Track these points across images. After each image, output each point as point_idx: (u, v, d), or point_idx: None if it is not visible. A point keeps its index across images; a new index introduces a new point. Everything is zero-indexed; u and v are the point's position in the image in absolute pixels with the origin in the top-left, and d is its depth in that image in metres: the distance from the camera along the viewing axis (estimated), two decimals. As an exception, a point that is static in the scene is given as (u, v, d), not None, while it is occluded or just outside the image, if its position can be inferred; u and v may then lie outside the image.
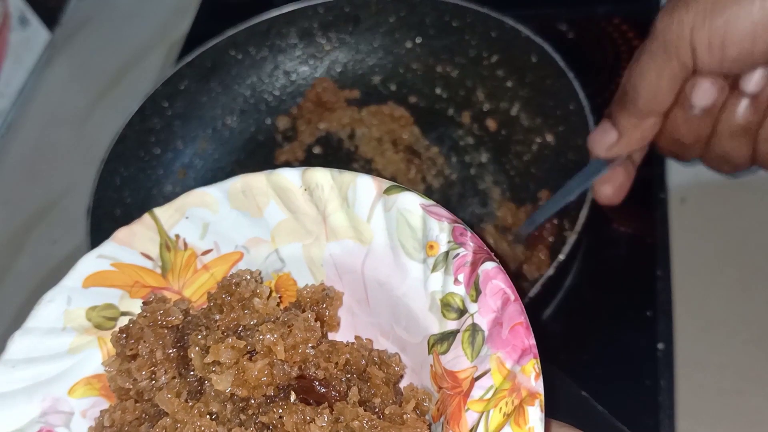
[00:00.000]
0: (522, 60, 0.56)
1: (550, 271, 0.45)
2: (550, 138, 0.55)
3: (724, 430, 0.46)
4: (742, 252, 0.52)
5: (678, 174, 0.56)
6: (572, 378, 0.46)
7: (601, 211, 0.54)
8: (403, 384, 0.35)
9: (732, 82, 0.42)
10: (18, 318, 0.62)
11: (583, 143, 0.49)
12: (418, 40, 0.61)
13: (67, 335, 0.36)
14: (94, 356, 0.36)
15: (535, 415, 0.27)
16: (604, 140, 0.46)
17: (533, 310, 0.30)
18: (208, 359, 0.32)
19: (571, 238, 0.46)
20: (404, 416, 0.31)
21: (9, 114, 0.73)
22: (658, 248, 0.53)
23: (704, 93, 0.41)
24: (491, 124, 0.59)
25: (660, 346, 0.49)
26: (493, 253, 0.31)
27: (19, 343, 0.35)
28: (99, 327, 0.36)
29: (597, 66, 0.63)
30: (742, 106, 0.42)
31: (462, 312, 0.31)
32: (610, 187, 0.48)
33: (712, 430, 0.46)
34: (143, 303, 0.36)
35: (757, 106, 0.41)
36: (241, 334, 0.34)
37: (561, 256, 0.45)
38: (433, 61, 0.61)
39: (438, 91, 0.61)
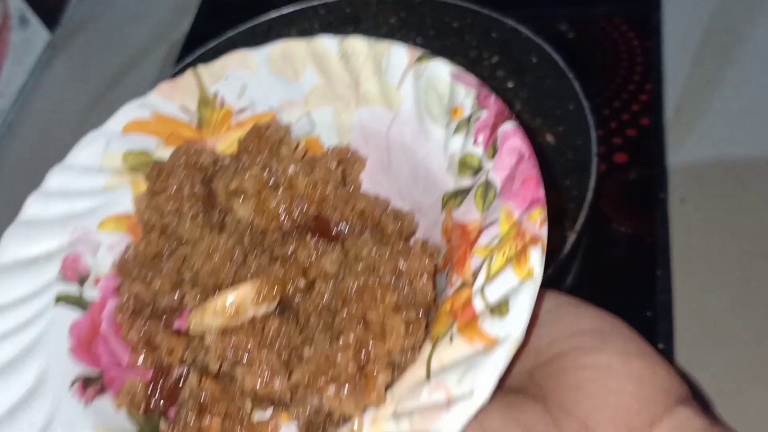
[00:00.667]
0: (522, 60, 0.56)
1: (550, 271, 0.45)
2: (550, 138, 0.55)
3: (725, 431, 0.46)
4: (743, 252, 0.52)
5: (678, 174, 0.56)
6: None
7: (601, 211, 0.54)
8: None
9: None
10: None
11: (583, 143, 0.49)
12: (419, 40, 0.61)
13: (102, 175, 0.38)
14: (126, 196, 0.38)
15: (535, 255, 0.28)
16: None
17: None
18: (232, 187, 0.34)
19: (571, 238, 0.46)
20: (410, 250, 0.32)
21: (9, 114, 0.73)
22: (658, 248, 0.53)
23: None
24: None
25: (660, 346, 0.49)
26: (514, 115, 0.32)
27: (57, 178, 0.38)
28: (133, 170, 0.38)
29: (597, 66, 0.63)
30: None
31: (478, 170, 0.32)
32: None
33: (713, 430, 0.46)
34: (176, 148, 0.37)
35: None
36: (266, 174, 0.35)
37: (561, 256, 0.45)
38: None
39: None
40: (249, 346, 0.31)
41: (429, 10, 0.59)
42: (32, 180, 0.68)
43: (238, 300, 0.31)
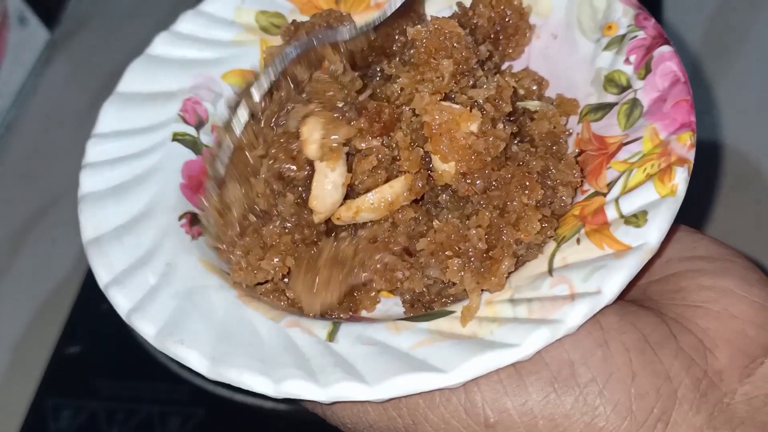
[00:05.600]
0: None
1: None
2: None
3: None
4: (744, 252, 0.52)
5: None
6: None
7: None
8: None
9: None
10: (18, 316, 0.62)
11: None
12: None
13: (233, 29, 0.39)
14: (253, 54, 0.39)
15: (681, 174, 0.28)
16: None
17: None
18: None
19: None
20: (564, 157, 0.32)
21: (8, 114, 0.73)
22: None
23: None
24: None
25: None
26: (672, 41, 0.32)
27: (188, 23, 0.39)
28: (264, 30, 0.39)
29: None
30: None
31: (625, 89, 0.33)
32: None
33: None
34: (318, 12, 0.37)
35: None
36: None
37: None
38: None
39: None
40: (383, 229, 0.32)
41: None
42: (32, 179, 0.69)
43: (394, 194, 0.31)
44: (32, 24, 0.74)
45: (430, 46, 0.32)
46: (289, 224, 0.32)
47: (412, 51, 0.33)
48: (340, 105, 0.33)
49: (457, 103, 0.31)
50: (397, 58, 0.35)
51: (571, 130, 0.34)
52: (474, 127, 0.30)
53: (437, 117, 0.30)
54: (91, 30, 0.78)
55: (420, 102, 0.31)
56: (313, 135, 0.31)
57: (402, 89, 0.32)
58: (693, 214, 0.55)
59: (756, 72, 0.61)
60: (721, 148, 0.57)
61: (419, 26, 0.32)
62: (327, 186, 0.31)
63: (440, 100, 0.31)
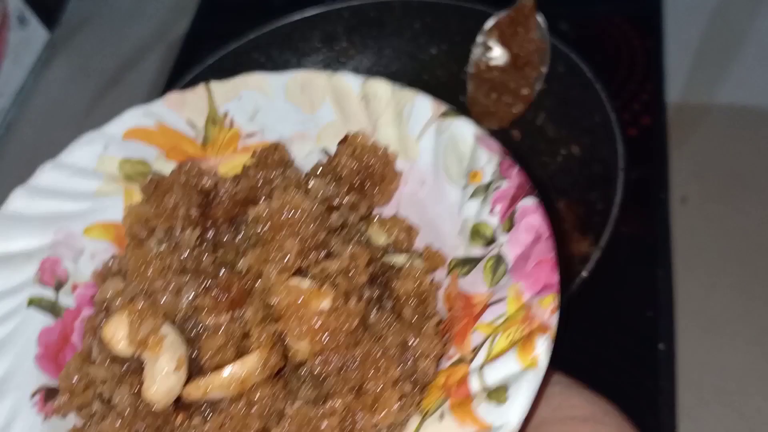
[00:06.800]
0: (549, 69, 0.55)
1: (573, 288, 0.45)
2: (575, 149, 0.55)
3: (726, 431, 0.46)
4: (744, 252, 0.53)
5: (679, 173, 0.57)
6: (572, 378, 0.47)
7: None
8: None
9: None
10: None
11: (609, 156, 0.49)
12: (443, 46, 0.60)
13: (96, 179, 0.37)
14: (117, 205, 0.37)
15: (542, 344, 0.27)
16: None
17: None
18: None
19: (596, 255, 0.45)
20: (423, 328, 0.31)
21: (8, 114, 0.72)
22: (658, 248, 0.53)
23: None
24: (515, 133, 0.57)
25: (661, 346, 0.49)
26: (536, 191, 0.31)
27: (47, 174, 0.37)
28: (128, 179, 0.37)
29: (598, 66, 0.63)
30: None
31: (490, 241, 0.31)
32: None
33: (714, 431, 0.47)
34: (178, 165, 0.36)
35: None
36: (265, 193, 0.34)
37: (584, 273, 0.45)
38: (457, 68, 0.59)
39: (461, 98, 0.58)
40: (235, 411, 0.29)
41: (454, 15, 0.58)
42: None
43: (246, 372, 0.29)
44: (32, 24, 0.73)
45: (274, 224, 0.30)
46: (124, 417, 0.30)
47: (258, 230, 0.31)
48: (158, 282, 0.31)
49: (310, 277, 0.30)
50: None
51: (440, 284, 0.33)
52: (326, 304, 0.29)
53: (285, 298, 0.29)
54: (90, 30, 0.77)
55: (267, 282, 0.30)
56: (116, 335, 0.30)
57: (249, 269, 0.31)
58: (695, 213, 0.56)
59: (756, 72, 0.61)
60: (719, 148, 0.58)
61: (262, 204, 0.31)
62: (157, 375, 0.29)
63: (292, 274, 0.30)
